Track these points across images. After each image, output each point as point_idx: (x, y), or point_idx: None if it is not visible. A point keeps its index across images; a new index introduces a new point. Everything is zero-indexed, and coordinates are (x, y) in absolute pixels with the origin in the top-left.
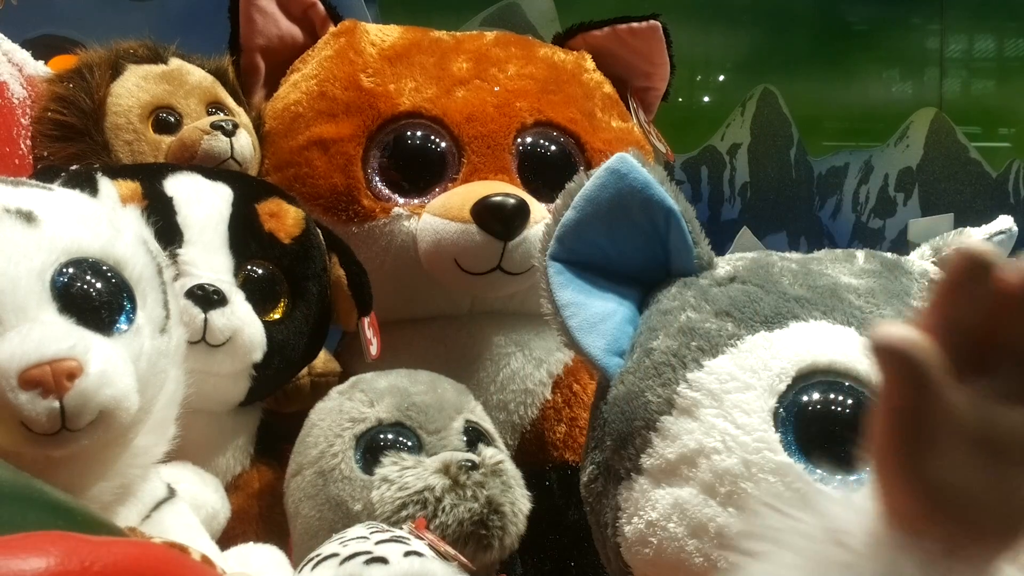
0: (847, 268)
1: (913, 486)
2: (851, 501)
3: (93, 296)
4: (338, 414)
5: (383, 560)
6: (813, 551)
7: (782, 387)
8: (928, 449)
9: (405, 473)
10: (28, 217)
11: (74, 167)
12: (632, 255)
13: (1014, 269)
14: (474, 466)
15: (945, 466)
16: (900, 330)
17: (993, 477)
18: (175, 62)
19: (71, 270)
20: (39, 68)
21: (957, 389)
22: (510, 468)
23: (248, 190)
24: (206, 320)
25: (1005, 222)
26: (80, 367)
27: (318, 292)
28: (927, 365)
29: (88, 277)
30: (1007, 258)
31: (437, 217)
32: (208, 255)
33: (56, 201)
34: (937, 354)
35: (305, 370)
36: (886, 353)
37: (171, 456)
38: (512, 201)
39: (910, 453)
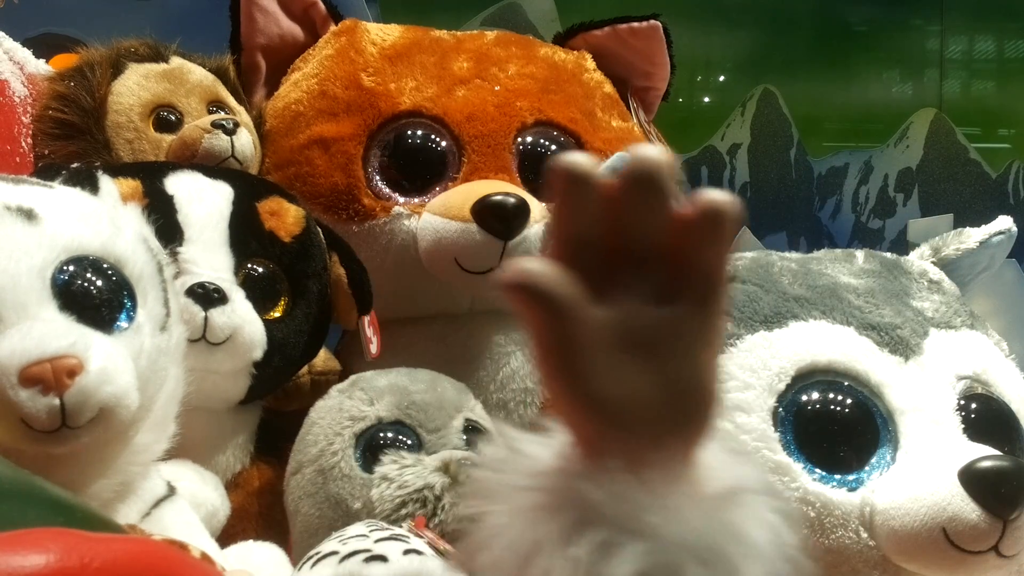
0: (847, 268)
1: (582, 408)
2: (547, 441)
3: (93, 294)
4: (338, 412)
5: (382, 558)
6: (517, 499)
7: (781, 386)
8: (583, 370)
9: (405, 471)
10: (29, 215)
11: (75, 165)
12: None
13: (609, 170)
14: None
15: (604, 381)
16: (524, 264)
17: (651, 376)
18: (176, 61)
19: (72, 268)
20: (40, 66)
21: (594, 304)
22: None
23: (249, 189)
24: (206, 318)
25: (1004, 222)
26: (80, 364)
27: (318, 291)
28: (557, 291)
29: (88, 275)
30: (604, 165)
31: (437, 216)
32: (208, 253)
33: (57, 199)
34: (564, 276)
35: (305, 368)
36: (516, 291)
37: (171, 454)
38: (512, 200)
39: (568, 377)
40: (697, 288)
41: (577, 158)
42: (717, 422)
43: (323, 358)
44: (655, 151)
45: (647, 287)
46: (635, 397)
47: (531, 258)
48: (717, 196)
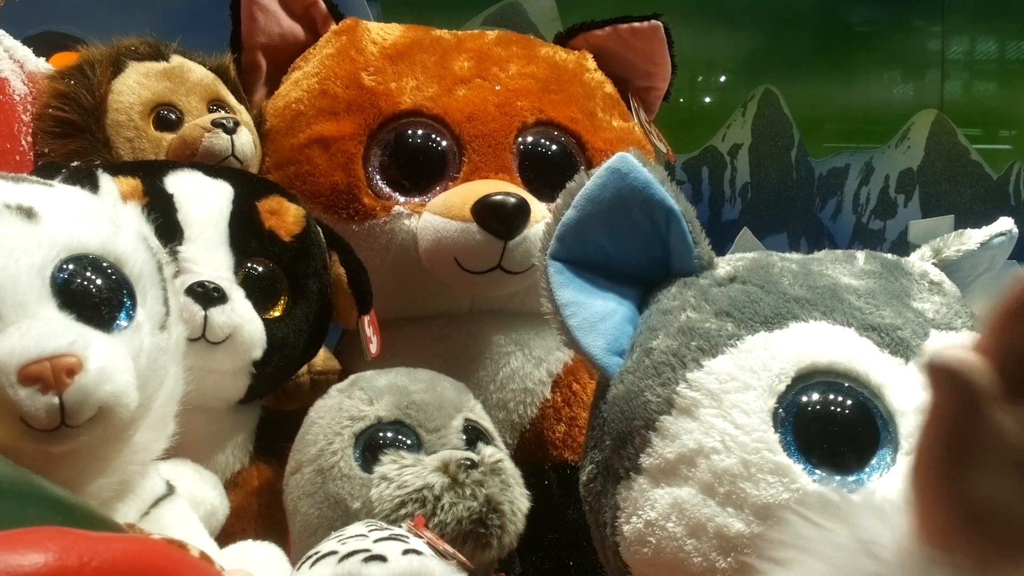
0: (847, 269)
1: (950, 502)
2: (883, 512)
3: (93, 292)
4: (337, 412)
5: (381, 558)
6: (842, 560)
7: (781, 387)
8: (970, 467)
9: (404, 471)
10: (29, 213)
11: (75, 164)
12: (632, 255)
13: None
14: (473, 465)
15: (985, 484)
16: (955, 350)
17: None
18: (176, 59)
19: (71, 266)
20: (40, 65)
21: (1007, 411)
22: (509, 467)
23: (249, 188)
24: (206, 317)
25: (1006, 224)
26: (80, 363)
27: (318, 290)
28: (979, 384)
29: (88, 274)
30: None
31: (438, 216)
32: (208, 252)
33: (57, 197)
34: (990, 375)
35: (305, 368)
36: (940, 371)
37: (170, 453)
38: (513, 200)
39: (951, 470)
40: None
41: None
42: None
43: (323, 357)
44: None
45: None
46: (1008, 510)
47: (963, 347)
48: None
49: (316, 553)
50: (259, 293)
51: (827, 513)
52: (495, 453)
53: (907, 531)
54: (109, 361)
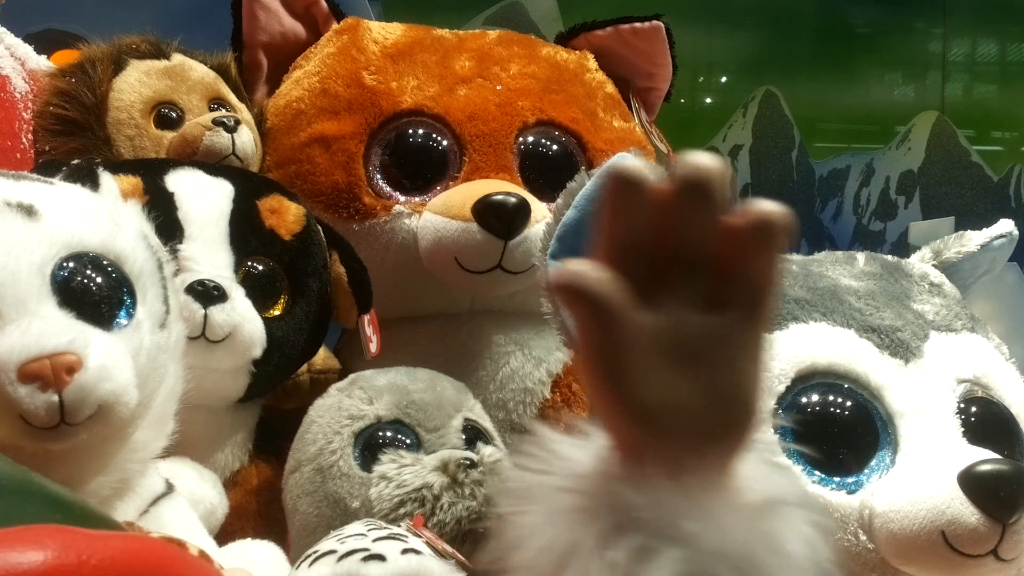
0: (847, 270)
1: (625, 413)
2: (586, 444)
3: (93, 290)
4: (337, 411)
5: (380, 557)
6: (553, 500)
7: (781, 388)
8: (628, 374)
9: (403, 471)
10: (29, 211)
11: (75, 161)
12: None
13: (666, 177)
14: (472, 464)
15: (648, 386)
16: (575, 266)
17: (695, 383)
18: (177, 58)
19: (71, 264)
20: (41, 62)
21: (641, 309)
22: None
23: (249, 186)
24: (206, 316)
25: (1006, 226)
26: (79, 361)
27: (318, 289)
28: (606, 294)
29: (88, 271)
30: (655, 171)
31: (438, 215)
32: (209, 251)
33: (57, 195)
34: (614, 280)
35: (304, 367)
36: (565, 292)
37: (170, 451)
38: (513, 200)
39: (613, 382)
40: (744, 297)
41: (630, 163)
42: (757, 432)
43: (322, 356)
44: (709, 158)
45: (694, 294)
46: (678, 404)
47: (581, 261)
48: (768, 206)
49: (315, 552)
50: (259, 292)
51: (539, 456)
52: (494, 453)
53: (605, 455)
54: (109, 359)
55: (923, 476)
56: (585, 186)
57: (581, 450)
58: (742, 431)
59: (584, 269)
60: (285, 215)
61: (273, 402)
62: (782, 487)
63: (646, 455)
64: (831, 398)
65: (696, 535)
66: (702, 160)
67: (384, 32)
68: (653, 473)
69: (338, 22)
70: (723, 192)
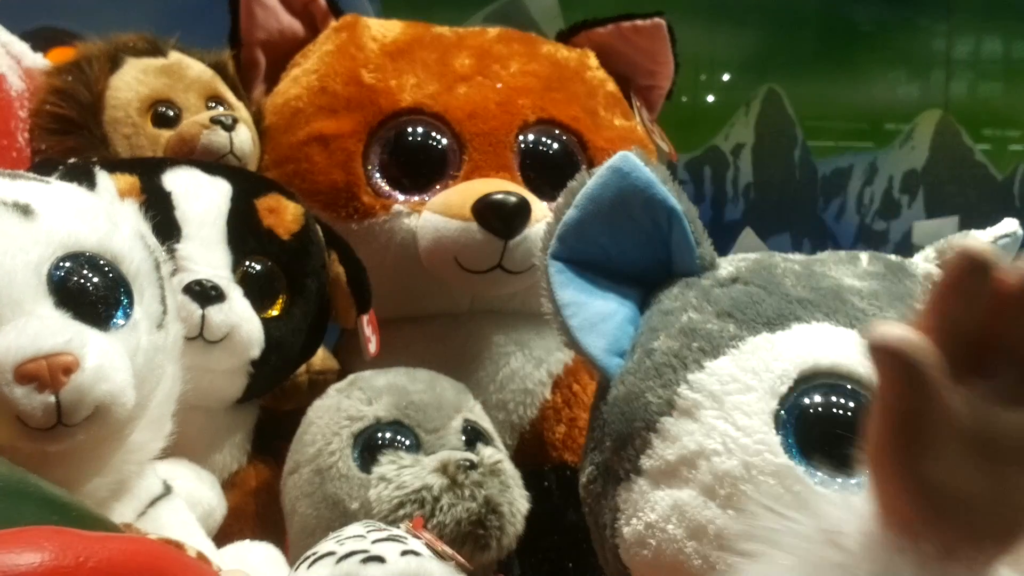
0: (850, 270)
1: (909, 488)
2: (847, 502)
3: (90, 290)
4: (336, 412)
5: (380, 559)
6: (808, 552)
7: (783, 389)
8: (925, 451)
9: (403, 472)
10: (25, 210)
11: (72, 160)
12: (634, 255)
13: (1014, 270)
14: (472, 466)
15: (942, 468)
16: (898, 330)
17: (990, 479)
18: (174, 56)
19: (68, 264)
20: (37, 60)
21: (955, 391)
22: (509, 468)
23: (247, 185)
24: (203, 316)
25: (1010, 225)
26: (76, 362)
27: (317, 289)
28: (925, 366)
29: (85, 271)
30: (1007, 258)
31: (438, 215)
32: (206, 250)
33: (53, 194)
34: (935, 355)
35: (303, 367)
36: (883, 353)
37: (167, 452)
38: (513, 199)
39: (907, 455)
40: None
41: (983, 246)
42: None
43: (321, 357)
44: None
45: (1004, 387)
46: (968, 494)
47: (905, 327)
48: None
49: (314, 554)
50: (257, 292)
51: (792, 504)
52: (494, 454)
53: (871, 519)
54: (106, 360)
55: None
56: (586, 185)
57: (839, 508)
58: (1017, 537)
59: (910, 335)
60: (283, 214)
61: (271, 403)
62: None
63: (922, 533)
64: (834, 399)
65: None
66: None
67: (383, 30)
68: (927, 551)
69: (336, 19)
70: None
